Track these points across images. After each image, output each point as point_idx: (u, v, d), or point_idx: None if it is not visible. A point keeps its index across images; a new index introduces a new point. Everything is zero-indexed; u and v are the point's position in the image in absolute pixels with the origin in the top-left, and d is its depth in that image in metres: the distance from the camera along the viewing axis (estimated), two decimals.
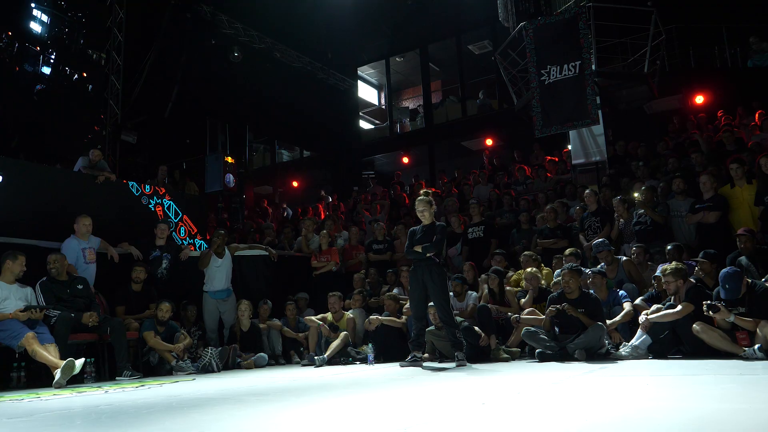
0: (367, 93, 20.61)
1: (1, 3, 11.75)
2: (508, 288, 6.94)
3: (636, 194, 7.38)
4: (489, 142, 15.82)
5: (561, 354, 5.40)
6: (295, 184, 18.86)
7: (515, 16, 10.72)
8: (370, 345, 6.65)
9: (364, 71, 19.92)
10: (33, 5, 12.26)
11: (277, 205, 15.63)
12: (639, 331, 5.29)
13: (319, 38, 16.26)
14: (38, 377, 5.52)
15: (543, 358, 5.52)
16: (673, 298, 5.25)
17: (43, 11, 12.45)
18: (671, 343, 5.13)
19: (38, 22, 12.31)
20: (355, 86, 19.13)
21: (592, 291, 5.90)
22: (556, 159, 11.54)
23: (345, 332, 6.93)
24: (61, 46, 12.53)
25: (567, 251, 6.88)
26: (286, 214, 14.81)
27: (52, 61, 12.41)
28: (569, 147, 10.51)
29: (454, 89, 18.12)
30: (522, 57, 10.46)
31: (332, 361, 6.68)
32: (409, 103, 20.33)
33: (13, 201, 6.85)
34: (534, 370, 4.93)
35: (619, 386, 3.68)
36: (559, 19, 9.80)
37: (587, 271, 6.32)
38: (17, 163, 7.71)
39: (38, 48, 12.34)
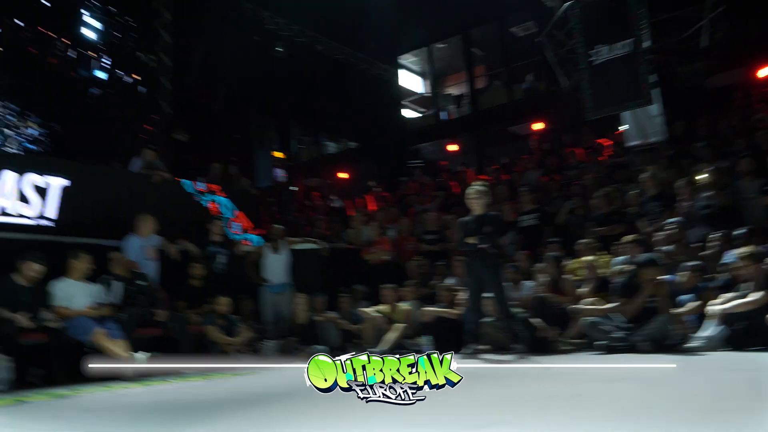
0: (411, 81, 20.42)
1: (55, 11, 12.17)
2: (565, 277, 6.77)
3: (701, 176, 7.05)
4: (537, 126, 15.44)
5: (626, 345, 5.22)
6: (342, 175, 18.89)
7: None
8: (426, 337, 6.61)
9: (406, 59, 19.71)
10: (85, 12, 12.65)
11: (326, 197, 15.68)
12: (711, 321, 5.05)
13: (360, 29, 16.18)
14: None
15: (605, 349, 5.35)
16: (748, 285, 4.99)
17: (94, 17, 12.86)
18: (748, 333, 4.88)
19: (91, 29, 12.72)
20: (397, 75, 18.98)
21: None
22: (610, 142, 11.13)
23: (401, 324, 6.92)
24: (114, 50, 12.92)
25: (628, 238, 6.62)
26: (335, 205, 14.86)
27: (105, 65, 12.80)
28: (623, 128, 10.14)
29: (499, 74, 17.75)
30: (569, 37, 10.14)
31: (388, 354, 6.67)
32: (454, 90, 20.02)
33: (79, 203, 7.13)
34: (599, 362, 4.80)
35: (702, 382, 3.53)
36: None
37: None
38: (82, 167, 7.98)
39: (92, 53, 12.75)
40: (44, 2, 12.16)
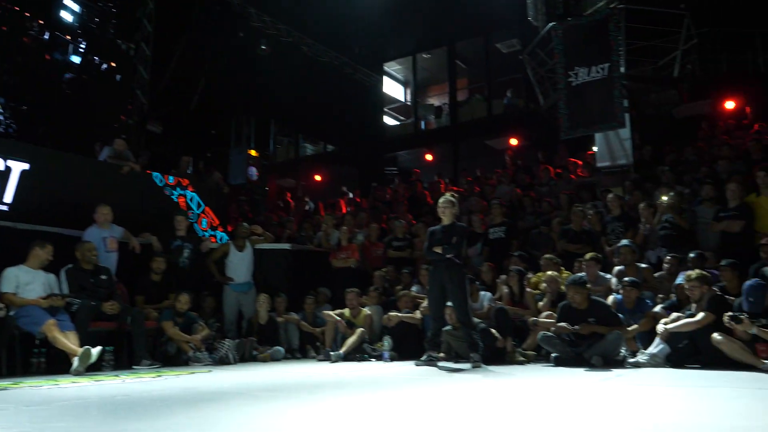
0: (393, 89, 20.54)
1: None
2: (527, 290, 6.87)
3: (664, 198, 7.25)
4: (513, 141, 15.63)
5: (577, 359, 5.33)
6: (318, 177, 18.86)
7: (545, 16, 10.63)
8: (387, 337, 6.62)
9: (390, 67, 19.85)
10: None
11: (299, 199, 15.63)
12: (657, 339, 5.21)
13: (347, 33, 16.24)
14: (58, 363, 5.57)
15: (559, 362, 5.46)
16: (694, 306, 5.15)
17: (74, 0, 12.63)
18: (689, 352, 5.04)
19: (69, 12, 12.45)
20: (381, 82, 19.08)
21: (602, 298, 5.86)
22: (580, 162, 11.33)
23: (362, 329, 6.93)
24: (91, 36, 12.70)
25: (587, 255, 6.76)
26: (308, 207, 14.82)
27: (81, 50, 12.60)
28: (595, 149, 10.35)
29: (481, 88, 17.97)
30: (550, 57, 10.34)
31: (348, 358, 6.69)
32: (435, 101, 20.20)
33: (39, 189, 6.94)
34: (550, 374, 4.89)
35: (635, 396, 3.63)
36: (589, 21, 9.69)
37: (614, 280, 6.23)
38: (43, 151, 7.76)
39: (68, 37, 12.53)
40: None
